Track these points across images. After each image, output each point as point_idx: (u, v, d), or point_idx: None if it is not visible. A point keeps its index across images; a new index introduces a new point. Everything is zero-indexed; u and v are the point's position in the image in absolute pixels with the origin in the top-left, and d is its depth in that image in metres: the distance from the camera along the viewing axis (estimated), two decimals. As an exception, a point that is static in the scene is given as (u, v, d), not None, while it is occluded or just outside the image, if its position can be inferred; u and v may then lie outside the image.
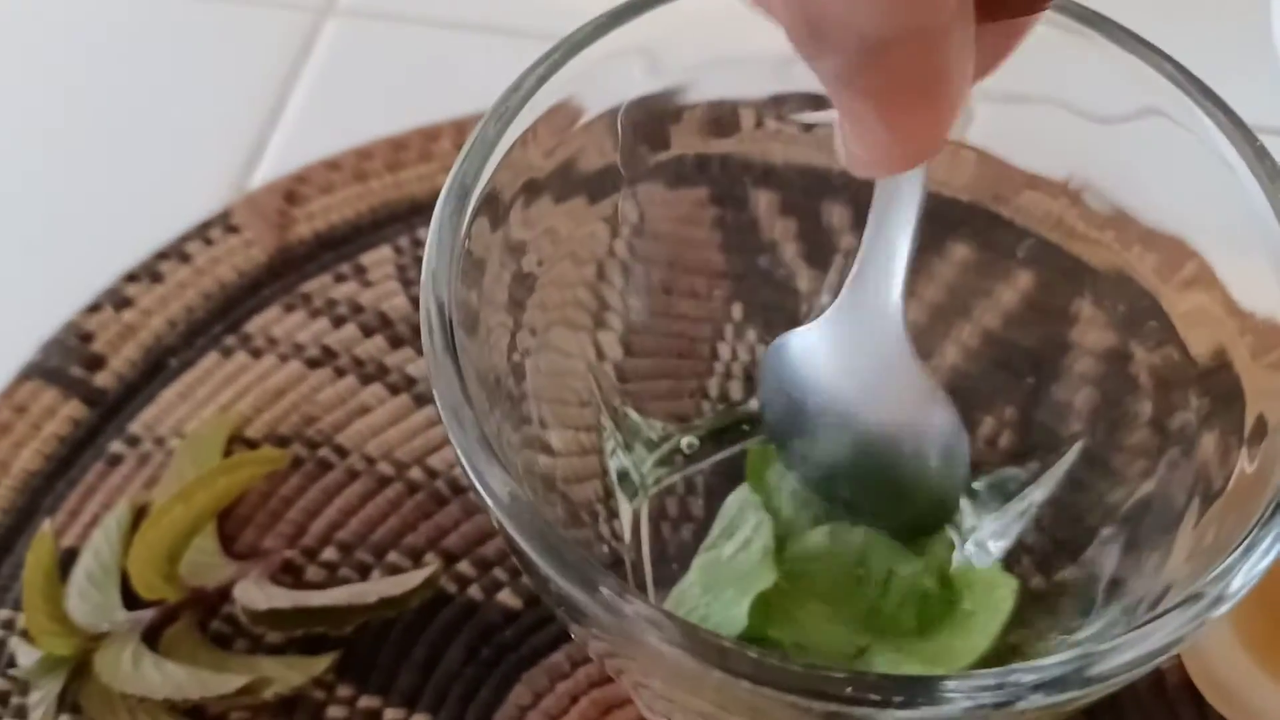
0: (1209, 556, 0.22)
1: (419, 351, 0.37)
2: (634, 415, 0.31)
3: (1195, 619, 0.21)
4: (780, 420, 0.29)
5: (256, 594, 0.33)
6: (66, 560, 0.34)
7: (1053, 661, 0.20)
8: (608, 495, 0.30)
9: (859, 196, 0.25)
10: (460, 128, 0.42)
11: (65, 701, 0.32)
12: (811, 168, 0.30)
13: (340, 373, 0.37)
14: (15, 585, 0.34)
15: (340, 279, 0.39)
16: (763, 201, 0.31)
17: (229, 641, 0.33)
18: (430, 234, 0.24)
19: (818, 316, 0.28)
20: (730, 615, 0.27)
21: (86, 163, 0.43)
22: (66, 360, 0.38)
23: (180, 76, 0.45)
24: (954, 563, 0.29)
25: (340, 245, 0.40)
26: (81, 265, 0.39)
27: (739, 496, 0.30)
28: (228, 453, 0.35)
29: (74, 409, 0.37)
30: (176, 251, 0.40)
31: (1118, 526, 0.28)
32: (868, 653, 0.27)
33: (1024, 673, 0.20)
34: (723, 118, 0.29)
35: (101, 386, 0.37)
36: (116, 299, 0.39)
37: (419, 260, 0.38)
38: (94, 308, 0.39)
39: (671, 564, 0.30)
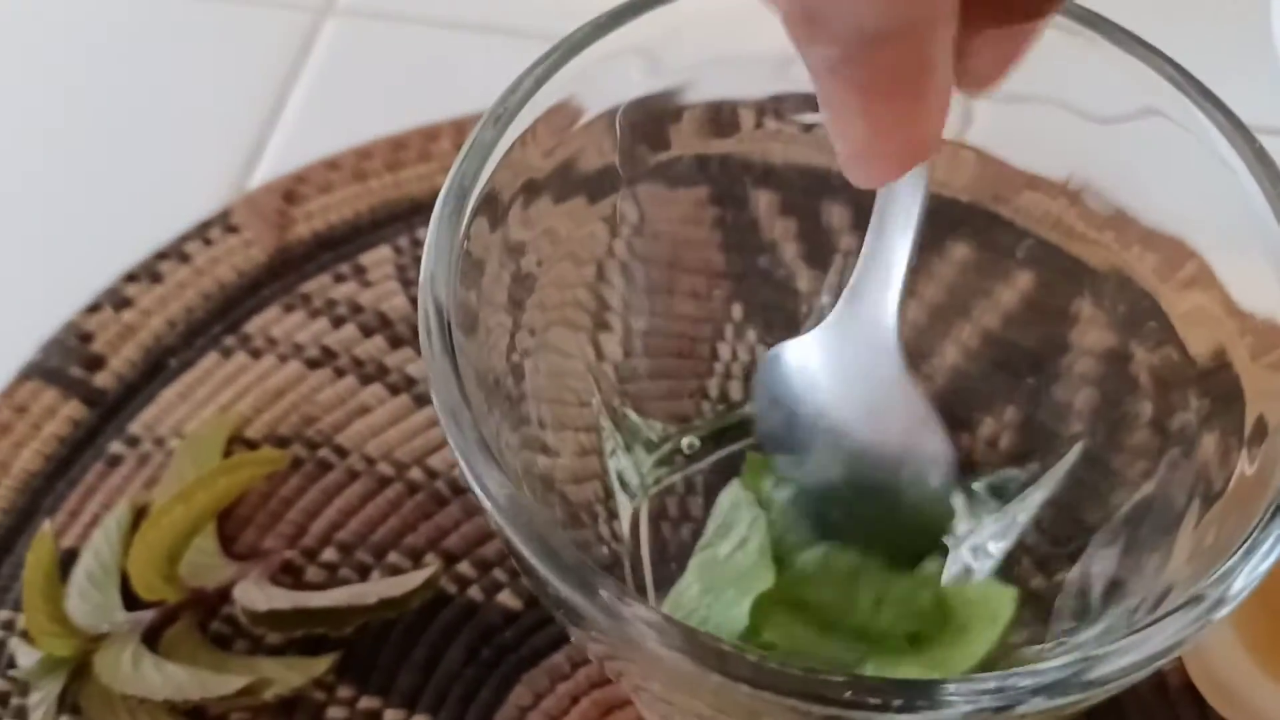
0: (1210, 558, 0.22)
1: (419, 352, 0.36)
2: (634, 416, 0.31)
3: (1196, 621, 0.21)
4: (774, 431, 0.29)
5: (256, 595, 0.33)
6: (66, 561, 0.34)
7: (1053, 665, 0.20)
8: (607, 496, 0.30)
9: (859, 196, 0.25)
10: (460, 128, 0.42)
11: (65, 702, 0.32)
12: (811, 168, 0.30)
13: (340, 373, 0.37)
14: (15, 586, 0.34)
15: (340, 279, 0.39)
16: (763, 201, 0.31)
17: (229, 642, 0.33)
18: (429, 234, 0.24)
19: (817, 317, 0.28)
20: (731, 616, 0.27)
21: (86, 163, 0.43)
22: (66, 360, 0.38)
23: (180, 76, 0.45)
24: (949, 577, 0.29)
25: (340, 245, 0.40)
26: (81, 265, 0.39)
27: (732, 494, 0.30)
28: (228, 453, 0.35)
29: (74, 409, 0.37)
30: (176, 251, 0.40)
31: (1118, 528, 0.27)
32: (865, 660, 0.27)
33: (1024, 676, 0.20)
34: (722, 118, 0.29)
35: (101, 387, 0.37)
36: (116, 299, 0.39)
37: (418, 260, 0.38)
38: (94, 308, 0.39)
39: (671, 564, 0.30)
